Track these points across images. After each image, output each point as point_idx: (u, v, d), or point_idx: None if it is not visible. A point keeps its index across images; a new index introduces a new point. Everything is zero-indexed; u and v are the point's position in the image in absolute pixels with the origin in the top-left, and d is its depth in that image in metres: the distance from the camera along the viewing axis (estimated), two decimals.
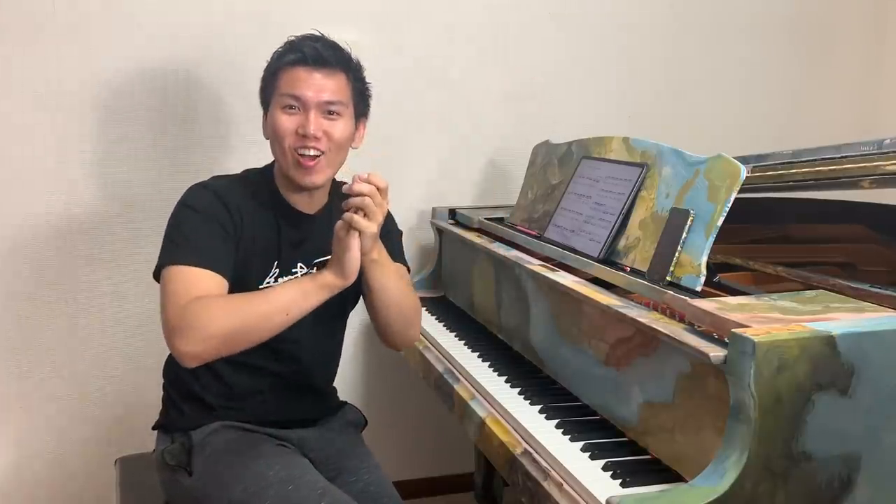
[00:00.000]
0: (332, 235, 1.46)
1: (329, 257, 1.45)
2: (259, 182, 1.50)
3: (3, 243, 1.99)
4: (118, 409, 2.13)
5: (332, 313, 1.53)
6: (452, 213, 2.18)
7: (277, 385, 1.49)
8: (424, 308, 2.04)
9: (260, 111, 1.51)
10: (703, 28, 2.50)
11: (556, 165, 1.86)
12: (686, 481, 1.08)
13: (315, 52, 1.42)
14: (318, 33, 1.49)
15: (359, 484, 1.49)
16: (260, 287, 1.43)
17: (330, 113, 1.43)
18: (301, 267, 1.49)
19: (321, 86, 1.41)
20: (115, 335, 2.11)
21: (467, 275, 1.98)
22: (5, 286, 2.01)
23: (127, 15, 1.98)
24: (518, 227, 1.88)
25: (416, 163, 2.28)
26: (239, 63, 2.06)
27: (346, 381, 2.29)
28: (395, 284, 1.46)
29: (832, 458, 1.03)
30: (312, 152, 1.41)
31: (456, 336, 1.83)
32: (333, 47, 1.46)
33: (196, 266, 1.34)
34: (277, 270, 1.46)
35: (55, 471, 2.12)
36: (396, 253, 1.58)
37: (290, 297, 1.31)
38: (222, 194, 1.42)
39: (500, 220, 1.99)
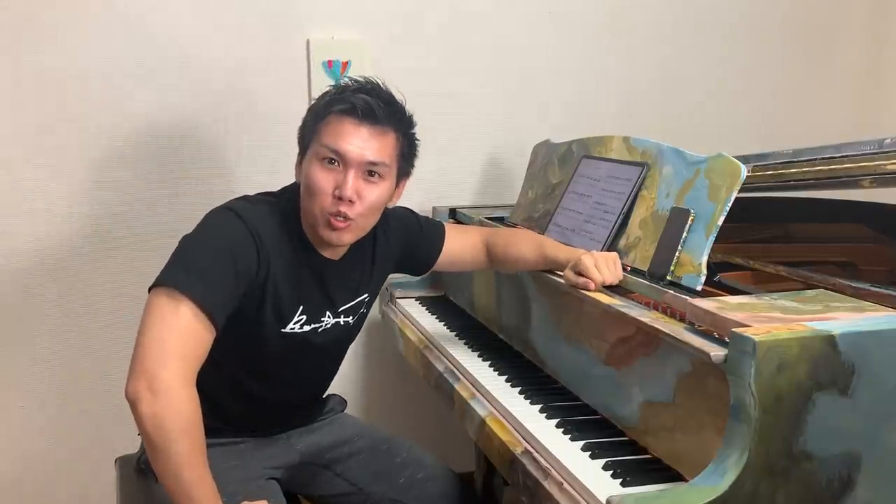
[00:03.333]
0: (351, 284, 1.46)
1: (351, 304, 1.46)
2: (289, 217, 1.37)
3: (2, 243, 1.99)
4: (118, 409, 2.12)
5: (343, 346, 1.56)
6: (453, 212, 2.18)
7: (273, 404, 1.50)
8: (425, 308, 2.05)
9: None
10: (703, 27, 2.50)
11: (557, 165, 1.86)
12: (686, 481, 1.08)
13: (366, 105, 1.30)
14: (374, 81, 1.37)
15: (353, 460, 1.56)
16: (283, 331, 1.37)
17: (371, 174, 1.32)
18: (329, 315, 1.43)
19: (366, 144, 1.30)
20: (115, 335, 2.10)
21: (468, 274, 1.98)
22: (5, 287, 2.01)
23: (131, 24, 1.99)
24: (519, 227, 1.88)
25: (417, 162, 2.27)
26: (245, 80, 2.07)
27: (347, 382, 2.29)
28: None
29: (832, 458, 1.03)
30: (343, 216, 1.30)
31: (456, 335, 1.83)
32: (388, 102, 1.35)
33: (197, 304, 1.19)
34: (304, 317, 1.39)
35: (56, 470, 2.12)
36: (435, 237, 1.64)
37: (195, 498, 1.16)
38: (255, 230, 1.29)
39: (500, 220, 1.99)
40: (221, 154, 2.09)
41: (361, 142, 1.30)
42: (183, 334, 1.18)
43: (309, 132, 1.36)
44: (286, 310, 1.37)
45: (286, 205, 1.38)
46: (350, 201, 1.29)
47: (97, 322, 2.09)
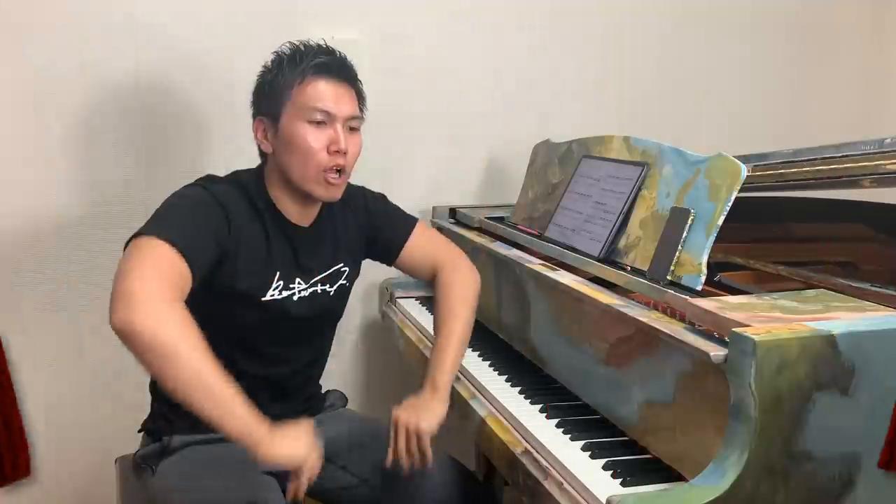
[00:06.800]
0: (324, 250, 1.50)
1: (326, 273, 1.49)
2: (252, 190, 1.44)
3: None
4: (118, 409, 2.13)
5: (327, 320, 1.58)
6: (453, 212, 2.18)
7: (269, 386, 1.50)
8: (425, 308, 2.04)
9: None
10: (703, 27, 2.50)
11: (557, 164, 1.86)
12: (686, 481, 1.08)
13: (340, 63, 1.41)
14: (323, 43, 1.45)
15: (356, 453, 1.56)
16: (263, 300, 1.41)
17: (351, 128, 1.42)
18: (299, 282, 1.46)
19: (347, 100, 1.40)
20: (113, 334, 2.10)
21: None
22: (2, 286, 2.01)
23: (131, 25, 1.99)
24: (519, 227, 1.88)
25: (417, 162, 2.28)
26: (245, 79, 2.06)
27: (348, 382, 2.29)
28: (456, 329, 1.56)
29: (832, 458, 1.03)
30: (339, 169, 1.40)
31: None
32: (347, 59, 1.45)
33: (174, 247, 1.22)
34: (281, 283, 1.44)
35: (56, 470, 2.12)
36: (398, 224, 1.64)
37: (220, 406, 1.17)
38: (222, 200, 1.37)
39: (500, 220, 1.99)
40: (222, 153, 2.09)
41: (343, 98, 1.40)
42: (161, 266, 1.21)
43: (280, 97, 1.40)
44: (263, 277, 1.42)
45: (248, 179, 1.46)
46: (344, 154, 1.39)
47: (96, 321, 2.08)
